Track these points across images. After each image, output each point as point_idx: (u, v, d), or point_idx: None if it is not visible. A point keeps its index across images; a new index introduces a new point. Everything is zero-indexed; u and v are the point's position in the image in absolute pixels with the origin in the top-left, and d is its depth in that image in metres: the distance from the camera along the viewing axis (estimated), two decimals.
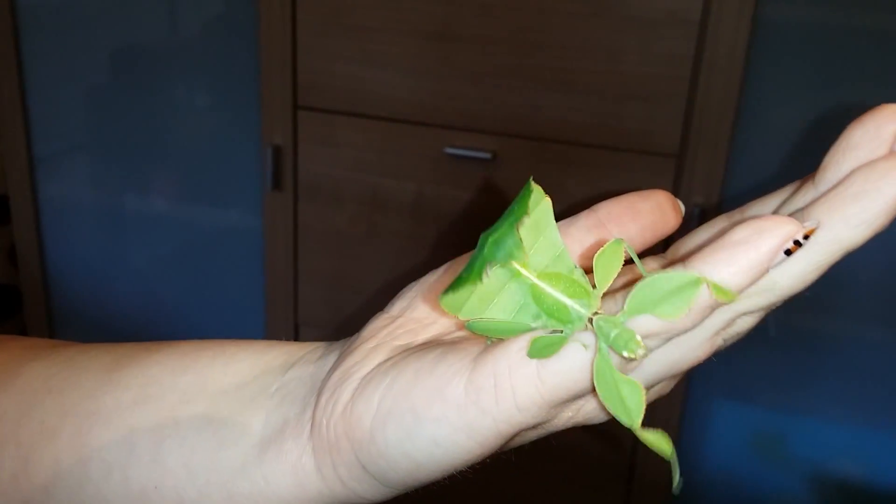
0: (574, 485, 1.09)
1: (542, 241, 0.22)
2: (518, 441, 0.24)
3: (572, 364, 0.21)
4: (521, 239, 0.22)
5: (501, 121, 0.97)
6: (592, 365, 0.20)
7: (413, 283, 0.27)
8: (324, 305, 1.12)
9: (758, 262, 0.19)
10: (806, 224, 0.20)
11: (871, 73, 0.89)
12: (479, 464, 0.24)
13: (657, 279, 0.19)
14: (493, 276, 0.22)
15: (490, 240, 0.22)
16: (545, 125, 0.95)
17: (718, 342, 0.22)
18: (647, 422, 0.21)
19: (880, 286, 0.95)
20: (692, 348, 0.21)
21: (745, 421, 1.04)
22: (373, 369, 0.24)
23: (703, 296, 0.19)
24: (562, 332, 0.21)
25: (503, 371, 0.21)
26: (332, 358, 0.26)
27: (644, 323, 0.20)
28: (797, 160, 0.94)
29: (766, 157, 0.93)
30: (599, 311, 0.21)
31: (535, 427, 0.23)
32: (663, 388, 0.25)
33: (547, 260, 0.22)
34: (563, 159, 0.96)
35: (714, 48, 0.87)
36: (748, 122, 0.91)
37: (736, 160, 0.92)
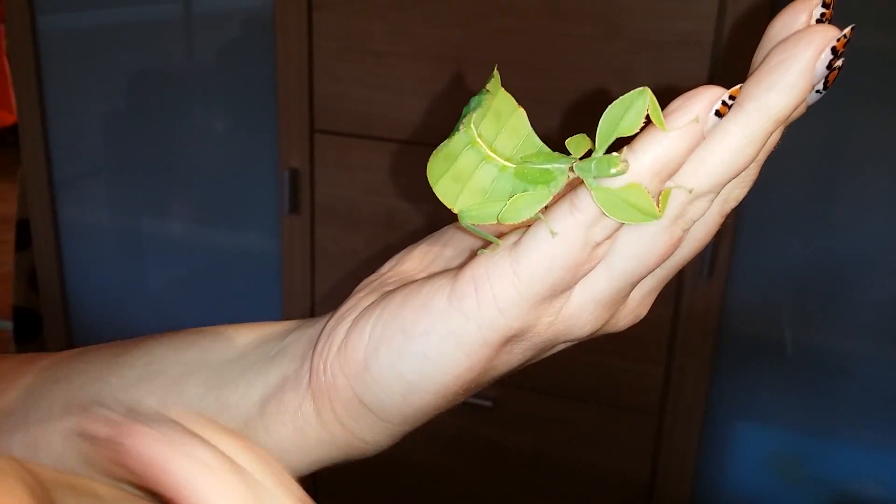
0: None
1: (523, 143, 0.24)
2: (505, 361, 0.24)
3: (542, 253, 0.22)
4: (488, 90, 0.23)
5: None
6: (568, 249, 0.22)
7: (405, 249, 0.29)
8: None
9: (690, 125, 0.20)
10: (732, 88, 0.21)
11: (878, 90, 0.89)
12: (471, 394, 0.25)
13: (610, 110, 0.21)
14: (482, 164, 0.23)
15: (463, 114, 0.23)
16: (557, 146, 0.96)
17: (678, 232, 0.22)
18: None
19: None
20: (654, 238, 0.22)
21: (764, 441, 1.04)
22: (364, 309, 0.25)
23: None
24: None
25: (482, 275, 0.22)
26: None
27: (633, 169, 0.21)
28: (810, 176, 0.94)
29: (779, 176, 0.93)
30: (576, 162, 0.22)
31: (519, 338, 0.23)
32: (641, 307, 0.26)
33: (515, 143, 0.24)
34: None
35: (727, 69, 0.88)
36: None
37: None
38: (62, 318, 1.32)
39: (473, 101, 0.23)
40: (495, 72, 0.24)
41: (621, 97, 0.21)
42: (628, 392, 1.00)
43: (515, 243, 0.22)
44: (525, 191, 0.23)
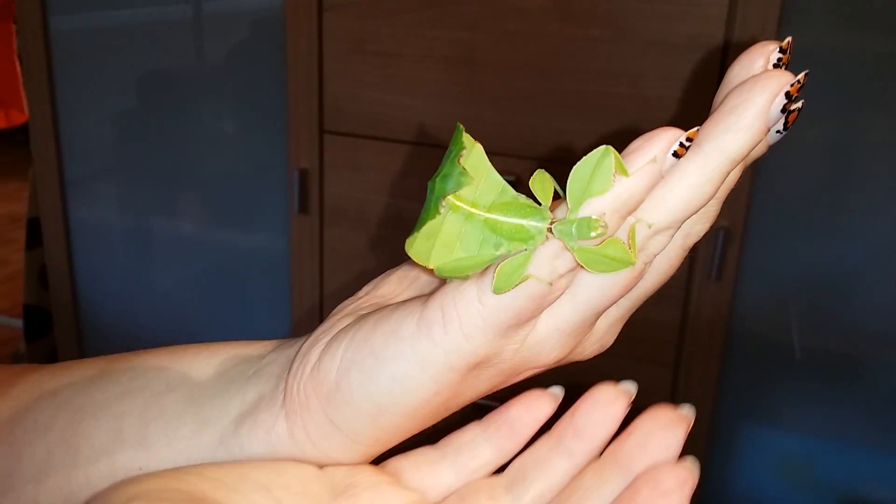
0: None
1: (483, 182, 0.23)
2: (472, 387, 0.25)
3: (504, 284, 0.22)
4: (465, 169, 0.23)
5: (523, 144, 0.98)
6: (533, 279, 0.22)
7: (382, 275, 0.30)
8: None
9: (649, 161, 0.22)
10: (689, 131, 0.22)
11: (888, 96, 0.89)
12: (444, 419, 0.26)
13: (577, 169, 0.22)
14: (448, 214, 0.23)
15: (437, 179, 0.23)
16: (567, 149, 0.96)
17: (639, 265, 0.23)
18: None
19: None
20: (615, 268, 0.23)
21: (773, 445, 1.03)
22: (338, 332, 0.26)
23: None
24: (525, 250, 0.23)
25: (449, 303, 0.23)
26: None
27: (593, 207, 0.22)
28: (821, 179, 0.94)
29: (791, 178, 0.93)
30: (553, 220, 0.22)
31: (485, 364, 0.24)
32: (607, 336, 0.27)
33: (492, 197, 0.23)
34: None
35: None
36: (772, 144, 0.91)
37: (760, 181, 0.92)
38: (72, 316, 1.33)
39: (447, 170, 0.23)
40: (459, 126, 0.24)
41: (585, 157, 0.22)
42: (636, 394, 0.99)
43: (483, 272, 0.23)
44: (498, 244, 0.23)
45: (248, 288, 1.24)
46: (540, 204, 0.23)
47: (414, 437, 0.27)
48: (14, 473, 0.29)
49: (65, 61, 1.21)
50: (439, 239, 0.23)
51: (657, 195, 0.22)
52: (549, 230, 0.22)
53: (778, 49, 0.23)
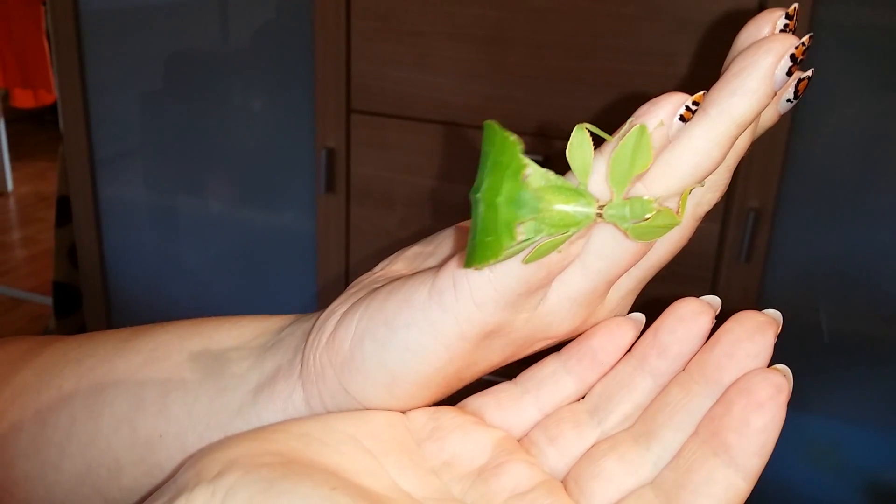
0: None
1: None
2: (485, 357, 0.25)
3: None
4: (536, 191, 0.22)
5: (553, 124, 0.97)
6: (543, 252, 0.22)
7: (399, 251, 0.30)
8: None
9: (657, 125, 0.22)
10: (695, 95, 0.22)
11: None
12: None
13: (617, 153, 0.21)
14: (525, 232, 0.22)
15: (499, 200, 0.22)
16: (597, 128, 0.95)
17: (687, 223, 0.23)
18: None
19: None
20: (626, 238, 0.23)
21: (799, 429, 1.03)
22: (353, 304, 0.26)
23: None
24: (566, 233, 0.22)
25: (460, 270, 0.23)
26: None
27: (644, 188, 0.22)
28: (853, 162, 0.92)
29: (822, 159, 0.92)
30: (600, 203, 0.22)
31: (497, 334, 0.24)
32: (619, 307, 0.26)
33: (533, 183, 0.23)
34: None
35: None
36: (803, 124, 0.90)
37: (792, 163, 0.91)
38: (101, 293, 1.35)
39: (510, 191, 0.22)
40: (493, 125, 0.23)
41: (622, 139, 0.21)
42: None
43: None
44: (539, 229, 0.22)
45: (274, 267, 1.24)
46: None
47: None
48: (39, 438, 0.30)
49: (94, 41, 1.22)
50: (510, 251, 0.23)
51: (663, 160, 0.22)
52: (599, 214, 0.22)
53: (784, 15, 0.23)
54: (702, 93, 0.22)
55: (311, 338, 0.26)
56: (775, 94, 0.22)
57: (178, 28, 1.19)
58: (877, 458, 0.99)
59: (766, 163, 0.90)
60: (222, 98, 1.19)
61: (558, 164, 0.22)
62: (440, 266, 0.24)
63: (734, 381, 0.22)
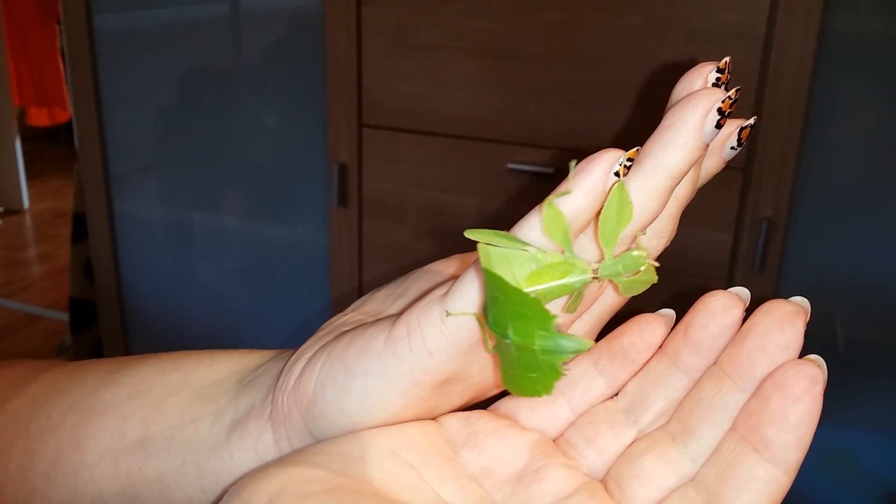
0: None
1: (515, 267, 0.23)
2: (444, 402, 0.25)
3: (466, 303, 0.23)
4: (549, 317, 0.22)
5: (563, 136, 0.98)
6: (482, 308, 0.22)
7: (371, 292, 0.30)
8: None
9: (593, 184, 0.22)
10: (630, 150, 0.23)
11: None
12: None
13: (604, 213, 0.22)
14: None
15: (535, 348, 0.22)
16: (607, 140, 0.96)
17: (597, 283, 0.24)
18: None
19: None
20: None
21: (815, 439, 1.02)
22: (319, 348, 0.27)
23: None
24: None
25: (414, 321, 0.24)
26: None
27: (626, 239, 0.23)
28: (866, 171, 0.92)
29: (835, 168, 0.92)
30: (593, 266, 0.23)
31: (454, 381, 0.24)
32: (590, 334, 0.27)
33: (527, 269, 0.23)
34: None
35: (780, 60, 0.87)
36: (816, 133, 0.90)
37: (804, 172, 0.91)
38: (117, 308, 1.36)
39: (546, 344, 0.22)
40: (488, 272, 0.23)
41: (606, 201, 0.22)
42: None
43: (445, 293, 0.24)
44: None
45: (287, 281, 1.25)
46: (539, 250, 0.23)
47: None
48: (28, 467, 0.31)
49: (108, 59, 1.24)
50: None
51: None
52: (595, 277, 0.23)
53: (716, 69, 0.23)
54: (635, 149, 0.23)
55: (281, 380, 0.27)
56: (706, 147, 0.22)
57: (190, 45, 1.20)
58: (893, 467, 0.98)
59: (778, 172, 0.90)
60: (235, 114, 1.20)
61: (566, 176, 0.23)
62: (399, 315, 0.25)
63: (768, 374, 0.22)
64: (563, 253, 0.23)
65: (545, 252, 0.23)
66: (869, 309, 0.95)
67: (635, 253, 0.22)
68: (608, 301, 0.26)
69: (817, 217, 0.93)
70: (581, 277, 0.23)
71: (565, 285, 0.23)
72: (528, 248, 0.23)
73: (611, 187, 0.22)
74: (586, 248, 0.23)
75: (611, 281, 0.23)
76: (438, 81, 1.02)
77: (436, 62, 1.01)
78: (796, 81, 0.87)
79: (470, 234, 0.23)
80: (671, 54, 0.91)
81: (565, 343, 0.21)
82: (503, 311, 0.22)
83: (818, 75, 0.87)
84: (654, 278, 0.23)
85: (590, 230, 0.23)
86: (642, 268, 0.22)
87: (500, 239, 0.23)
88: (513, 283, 0.22)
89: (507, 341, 0.22)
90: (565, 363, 0.22)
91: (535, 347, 0.22)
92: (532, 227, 0.23)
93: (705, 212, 0.93)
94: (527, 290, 0.23)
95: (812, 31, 0.85)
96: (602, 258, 0.23)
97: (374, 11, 1.02)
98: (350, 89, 1.06)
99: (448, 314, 0.23)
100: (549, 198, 0.23)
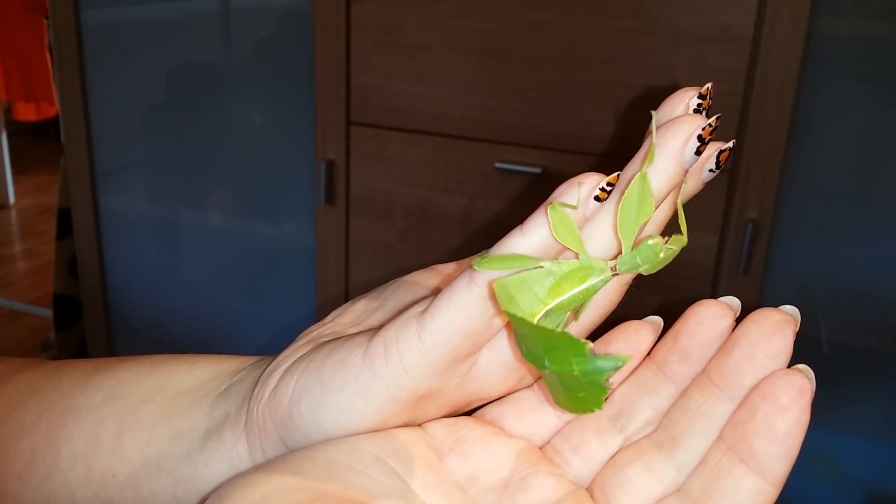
0: None
1: (534, 284, 0.23)
2: (421, 417, 0.25)
3: (443, 321, 0.23)
4: (580, 345, 0.21)
5: (551, 136, 0.98)
6: (467, 318, 0.23)
7: (350, 301, 0.30)
8: None
9: (575, 201, 0.22)
10: (612, 174, 0.23)
11: None
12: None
13: (624, 204, 0.22)
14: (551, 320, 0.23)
15: (576, 374, 0.22)
16: (595, 140, 0.96)
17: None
18: None
19: None
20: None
21: None
22: (296, 360, 0.26)
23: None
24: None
25: (391, 338, 0.24)
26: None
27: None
28: (851, 174, 0.93)
29: (821, 171, 0.92)
30: (610, 263, 0.23)
31: (430, 398, 0.24)
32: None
33: (546, 286, 0.23)
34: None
35: (767, 63, 0.87)
36: (802, 136, 0.90)
37: (789, 174, 0.91)
38: (101, 305, 1.35)
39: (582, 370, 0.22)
40: (516, 316, 0.22)
41: (627, 192, 0.22)
42: None
43: (423, 311, 0.24)
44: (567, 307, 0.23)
45: (274, 278, 1.25)
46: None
47: None
48: (0, 468, 0.31)
49: (96, 55, 1.23)
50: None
51: (585, 236, 0.23)
52: (614, 274, 0.23)
53: (697, 95, 0.23)
54: (616, 174, 0.23)
55: (256, 390, 0.27)
56: (686, 172, 0.22)
57: (179, 41, 1.20)
58: (877, 469, 0.99)
59: (764, 174, 0.90)
60: (223, 111, 1.20)
61: (556, 176, 0.23)
62: (377, 330, 0.25)
63: (755, 383, 0.22)
64: (576, 257, 0.23)
65: (559, 262, 0.23)
66: (853, 311, 0.96)
67: (651, 242, 0.22)
68: (601, 301, 0.26)
69: (803, 219, 0.93)
70: (602, 277, 0.23)
71: (588, 289, 0.23)
72: (541, 263, 0.23)
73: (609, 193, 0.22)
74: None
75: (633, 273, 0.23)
76: (427, 80, 1.02)
77: (424, 61, 1.01)
78: (783, 83, 0.87)
79: (479, 267, 0.23)
80: (660, 56, 0.91)
81: (603, 364, 0.21)
82: (535, 346, 0.22)
83: (805, 78, 0.88)
84: (685, 241, 0.23)
85: (589, 230, 0.23)
86: (662, 254, 0.22)
87: (509, 262, 0.23)
88: (536, 302, 0.22)
89: (547, 371, 0.22)
90: (608, 378, 0.22)
91: (576, 374, 0.22)
92: (539, 225, 0.23)
93: (691, 213, 0.93)
94: (551, 303, 0.23)
95: (799, 34, 0.85)
96: (618, 253, 0.23)
97: (362, 9, 1.02)
98: (338, 87, 1.06)
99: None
100: (551, 200, 0.23)
